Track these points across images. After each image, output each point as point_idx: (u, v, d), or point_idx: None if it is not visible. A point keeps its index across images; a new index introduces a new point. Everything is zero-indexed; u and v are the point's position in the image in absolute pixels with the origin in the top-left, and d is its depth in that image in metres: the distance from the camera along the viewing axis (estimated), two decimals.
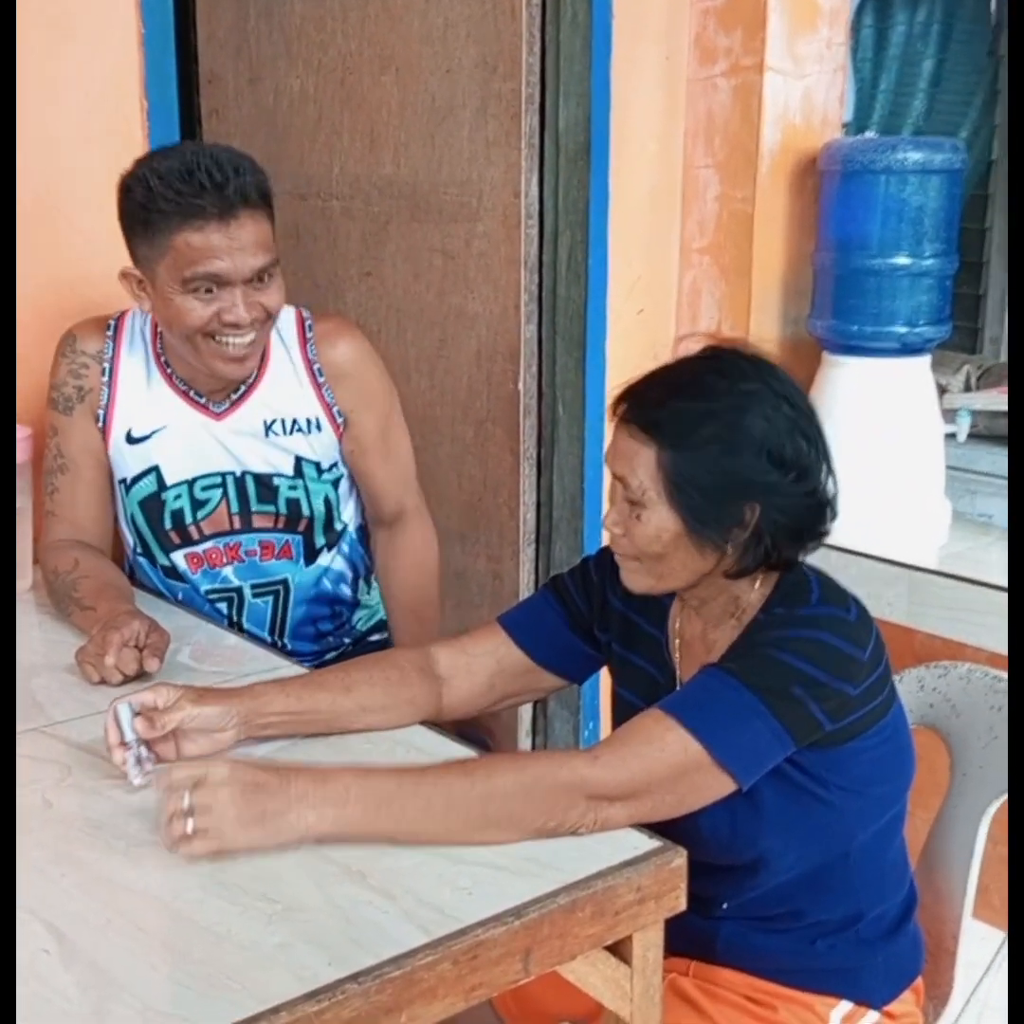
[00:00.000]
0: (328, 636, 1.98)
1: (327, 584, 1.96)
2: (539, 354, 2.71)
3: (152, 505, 1.88)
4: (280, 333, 1.86)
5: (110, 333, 1.87)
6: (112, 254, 2.11)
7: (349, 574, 1.99)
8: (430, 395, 2.82)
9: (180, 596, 1.92)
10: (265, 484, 1.87)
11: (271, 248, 1.70)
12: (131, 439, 1.86)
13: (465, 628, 1.63)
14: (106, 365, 1.85)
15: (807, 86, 2.75)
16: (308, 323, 1.88)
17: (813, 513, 1.35)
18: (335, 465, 1.92)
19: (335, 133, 2.84)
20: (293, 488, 1.88)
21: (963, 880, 1.58)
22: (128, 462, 1.87)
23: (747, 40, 2.66)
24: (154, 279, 1.69)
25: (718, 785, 1.27)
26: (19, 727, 1.47)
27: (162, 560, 1.91)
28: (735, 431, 1.30)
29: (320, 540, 1.93)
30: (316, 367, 1.86)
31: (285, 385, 1.86)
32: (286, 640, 1.95)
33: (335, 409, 1.88)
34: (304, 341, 1.87)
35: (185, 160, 1.63)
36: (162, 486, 1.87)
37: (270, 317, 1.74)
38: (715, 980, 1.44)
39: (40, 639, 1.82)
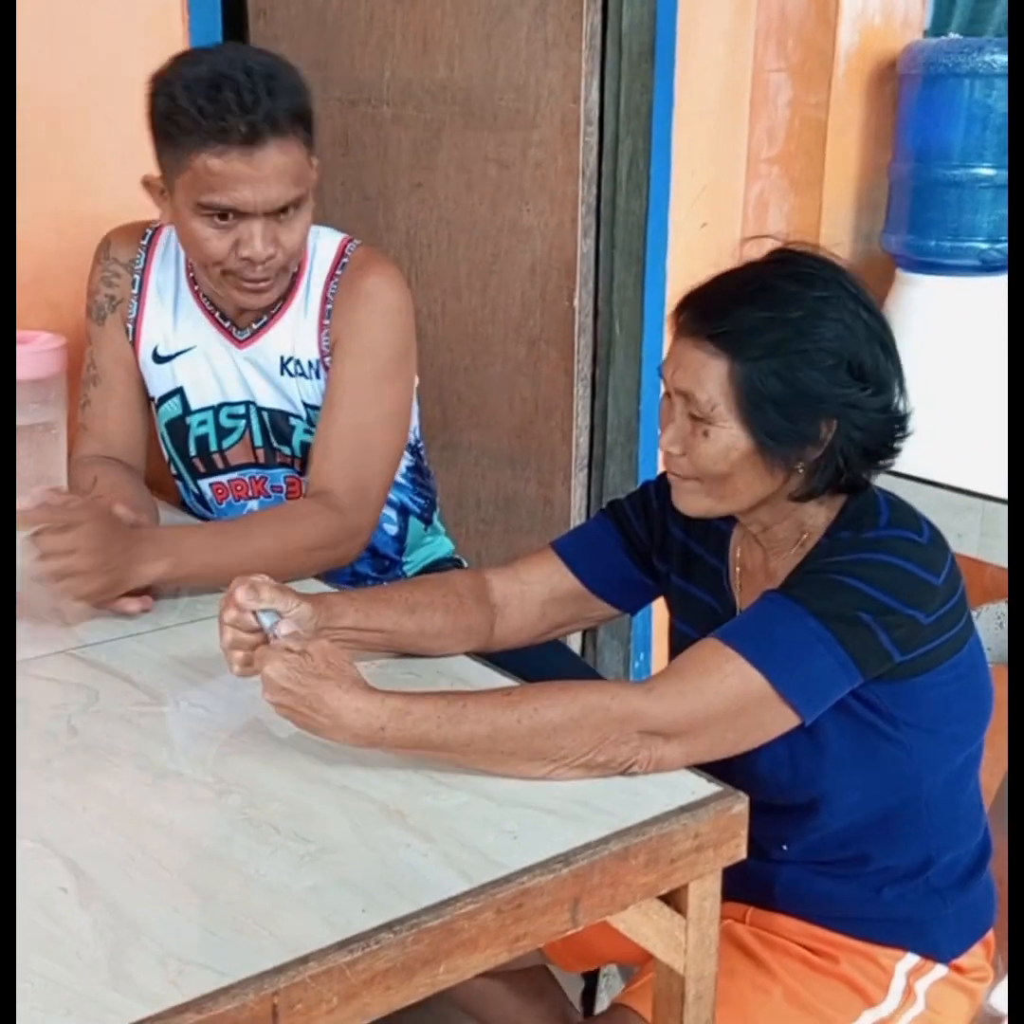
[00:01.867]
0: (367, 580, 1.89)
1: None
2: (596, 270, 2.66)
3: (178, 429, 1.80)
4: (314, 260, 1.73)
5: (144, 242, 1.79)
6: (147, 154, 2.05)
7: (394, 515, 1.87)
8: (481, 312, 2.76)
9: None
10: (279, 423, 1.77)
11: (300, 180, 1.56)
12: (157, 357, 1.78)
13: (514, 555, 1.55)
14: (137, 275, 1.78)
15: None
16: (346, 258, 1.73)
17: (889, 429, 1.29)
18: None
19: (387, 34, 2.76)
20: (308, 432, 1.76)
21: None
22: (155, 380, 1.80)
23: None
24: (173, 192, 1.59)
25: (781, 719, 1.21)
26: (46, 649, 1.43)
27: (192, 486, 1.85)
28: (812, 341, 1.23)
29: None
30: (328, 307, 1.71)
31: (301, 322, 1.73)
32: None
33: (327, 352, 1.73)
34: (333, 274, 1.72)
35: (215, 71, 1.50)
36: (187, 410, 1.79)
37: (289, 256, 1.61)
38: (773, 928, 1.39)
39: None
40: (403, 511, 1.90)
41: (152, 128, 1.58)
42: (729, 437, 1.26)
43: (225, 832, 1.09)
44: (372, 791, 1.14)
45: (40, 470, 1.83)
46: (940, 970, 1.37)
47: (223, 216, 1.55)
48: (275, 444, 1.78)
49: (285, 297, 1.71)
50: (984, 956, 1.42)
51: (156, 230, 1.80)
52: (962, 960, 1.38)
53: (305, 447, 1.76)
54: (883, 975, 1.35)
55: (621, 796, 1.15)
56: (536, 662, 1.71)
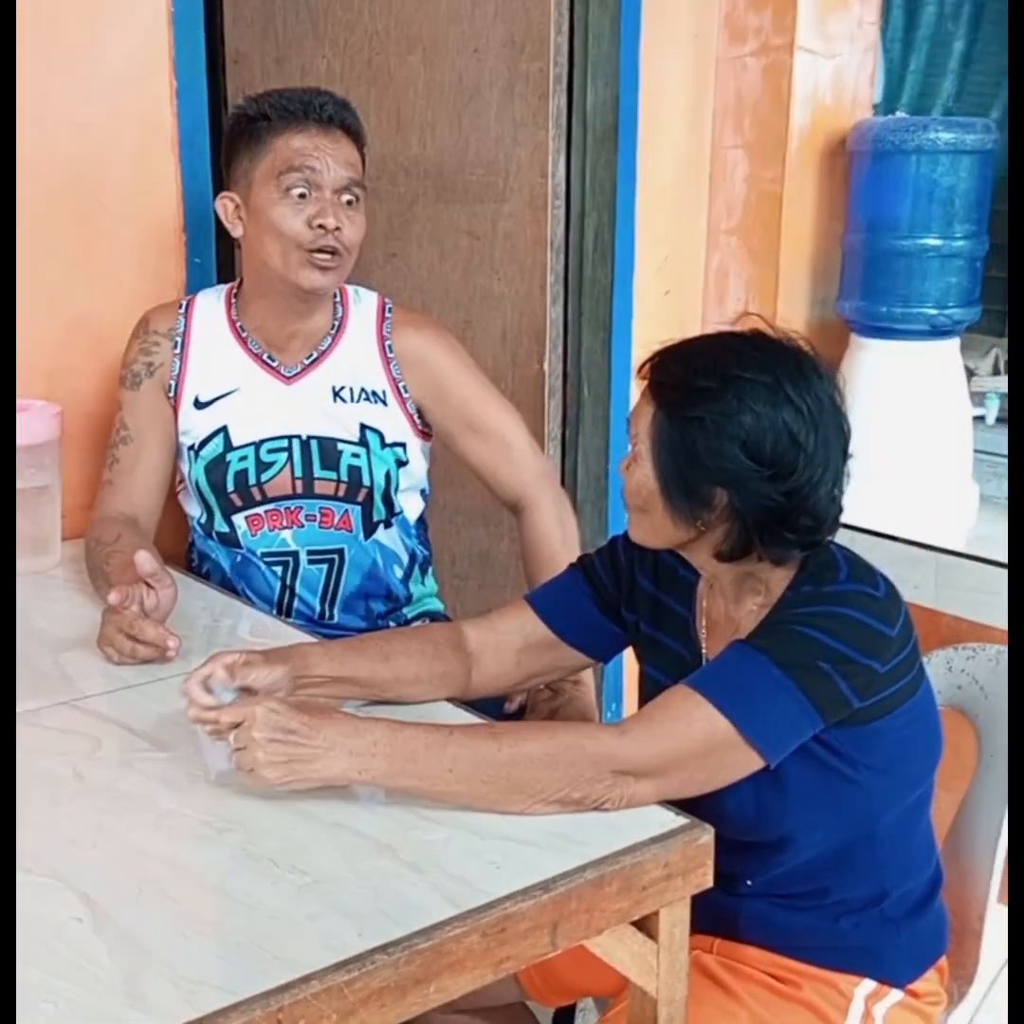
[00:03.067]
0: (378, 618, 1.99)
1: (380, 563, 1.96)
2: (565, 335, 2.70)
3: (217, 468, 1.91)
4: (359, 311, 1.95)
5: (182, 311, 1.95)
6: (142, 234, 2.13)
7: (405, 558, 1.99)
8: None
9: (238, 560, 1.93)
10: (328, 449, 1.90)
11: (360, 173, 1.84)
12: (199, 404, 1.91)
13: (489, 609, 1.63)
14: (178, 339, 1.92)
15: (837, 66, 2.74)
16: (388, 307, 1.97)
17: (786, 513, 1.32)
18: (401, 444, 1.93)
19: (361, 113, 2.79)
20: (356, 456, 1.90)
21: (989, 862, 1.58)
22: (196, 427, 1.91)
23: (777, 19, 2.65)
24: (249, 196, 1.82)
25: (746, 761, 1.27)
26: (48, 701, 1.49)
27: (220, 526, 1.93)
28: (723, 415, 1.30)
29: (380, 513, 1.94)
30: (388, 344, 1.93)
31: (357, 356, 1.92)
32: (335, 611, 1.95)
33: (402, 385, 1.93)
34: (382, 320, 1.94)
35: (297, 91, 1.83)
36: (228, 447, 1.90)
37: (348, 249, 1.83)
38: (739, 957, 1.44)
39: (68, 614, 1.83)
40: (411, 553, 2.00)
41: (231, 143, 1.86)
42: (642, 473, 1.36)
43: (227, 866, 1.16)
44: (363, 827, 1.21)
45: (35, 531, 1.89)
46: (896, 995, 1.42)
47: (301, 195, 1.78)
48: (317, 473, 1.90)
49: (334, 337, 1.91)
50: (938, 981, 1.47)
51: (190, 301, 1.96)
52: (917, 985, 1.44)
53: (352, 470, 1.91)
54: (843, 1000, 1.41)
55: (596, 828, 1.21)
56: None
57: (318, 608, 1.94)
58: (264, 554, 1.92)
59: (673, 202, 2.77)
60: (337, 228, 1.79)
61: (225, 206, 1.86)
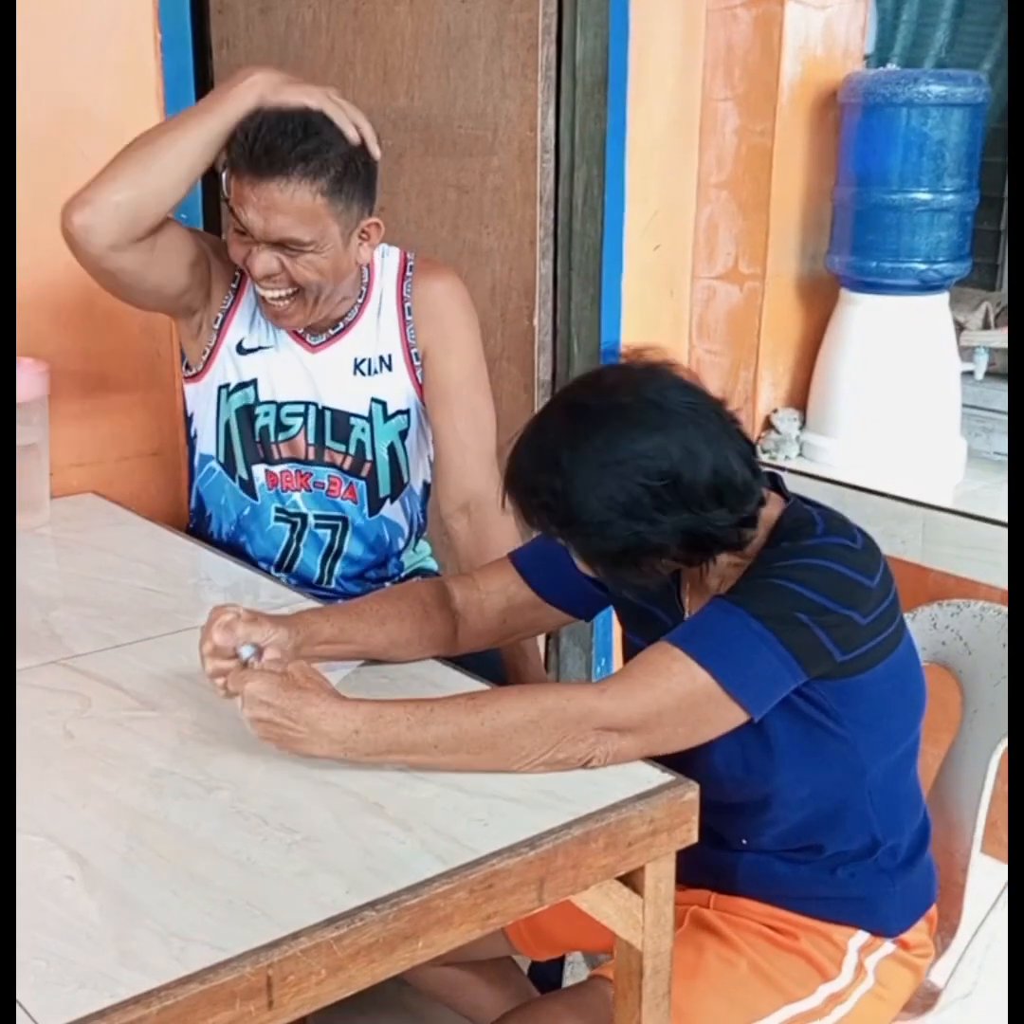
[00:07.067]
0: (371, 584, 1.99)
1: (385, 534, 1.97)
2: (554, 290, 2.70)
3: (246, 415, 1.91)
4: (383, 272, 1.90)
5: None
6: None
7: (405, 527, 2.00)
8: None
9: (247, 511, 1.93)
10: (341, 422, 1.90)
11: (304, 223, 1.68)
12: (241, 349, 1.89)
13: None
14: (235, 282, 1.89)
15: (828, 17, 2.71)
16: (410, 263, 1.92)
17: (710, 523, 1.30)
18: (405, 413, 1.91)
19: (348, 64, 2.81)
20: (363, 430, 1.90)
21: (973, 815, 1.60)
22: (234, 369, 1.90)
23: None
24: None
25: (730, 715, 1.29)
26: (38, 660, 1.50)
27: (241, 472, 1.93)
28: (585, 511, 1.28)
29: (384, 489, 1.94)
30: (407, 305, 1.89)
31: (379, 322, 1.89)
32: (334, 576, 1.96)
33: (414, 350, 1.89)
34: (403, 277, 1.90)
35: (282, 118, 1.67)
36: (257, 400, 1.90)
37: (300, 289, 1.75)
38: (736, 910, 1.47)
39: (57, 572, 1.85)
40: (410, 520, 2.01)
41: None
42: (586, 566, 1.36)
43: (217, 824, 1.17)
44: (352, 785, 1.22)
45: (24, 489, 1.88)
46: (888, 947, 1.46)
47: (242, 232, 1.71)
48: (328, 442, 1.90)
49: (360, 306, 1.88)
50: (927, 931, 1.51)
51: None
52: (907, 936, 1.47)
53: (360, 445, 1.90)
54: (837, 952, 1.44)
55: (582, 786, 1.23)
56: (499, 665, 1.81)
57: (317, 572, 1.95)
58: (277, 510, 1.93)
59: (663, 155, 2.75)
60: (265, 276, 1.72)
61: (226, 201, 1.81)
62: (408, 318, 1.89)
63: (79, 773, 1.26)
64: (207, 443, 1.95)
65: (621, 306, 2.73)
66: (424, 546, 2.10)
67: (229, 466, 1.93)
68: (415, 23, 2.69)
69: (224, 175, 1.76)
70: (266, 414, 1.90)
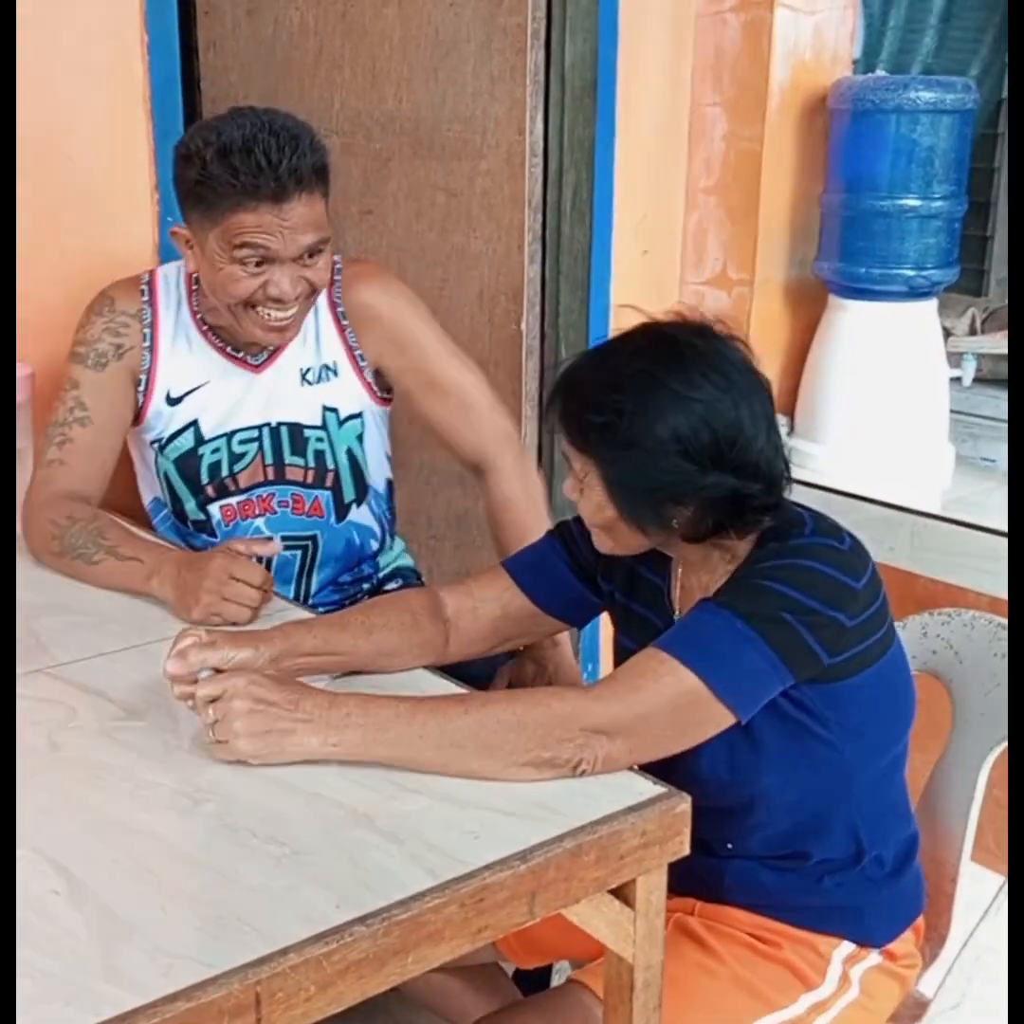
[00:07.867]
0: (347, 587, 1.98)
1: (356, 539, 1.96)
2: (542, 294, 2.70)
3: (189, 461, 1.87)
4: None
5: (145, 294, 1.86)
6: (112, 190, 2.10)
7: (376, 528, 1.99)
8: None
9: (208, 549, 1.90)
10: (297, 435, 1.87)
11: (322, 226, 1.69)
12: (170, 400, 1.86)
13: (466, 569, 1.62)
14: (147, 329, 1.84)
15: (817, 22, 2.72)
16: (337, 266, 1.86)
17: (747, 493, 1.33)
18: (358, 416, 1.90)
19: (336, 67, 2.79)
20: (320, 440, 1.88)
21: (962, 824, 1.60)
22: (166, 423, 1.86)
23: None
24: (204, 245, 1.69)
25: (717, 717, 1.28)
26: (23, 668, 1.48)
27: (195, 515, 1.90)
28: (648, 437, 1.30)
29: (349, 494, 1.92)
30: (340, 310, 1.86)
31: (317, 329, 1.86)
32: (310, 594, 1.95)
33: (358, 353, 1.87)
34: (331, 283, 1.84)
35: (244, 137, 1.61)
36: (200, 440, 1.86)
37: (315, 291, 1.74)
38: (721, 919, 1.46)
39: (42, 579, 1.82)
40: (379, 522, 2.00)
41: (180, 191, 1.69)
42: (597, 502, 1.36)
43: (204, 838, 1.15)
44: (341, 797, 1.21)
45: None
46: (874, 957, 1.45)
47: (257, 263, 1.66)
48: (288, 459, 1.87)
49: None
50: (913, 941, 1.50)
51: (151, 280, 1.87)
52: (893, 946, 1.46)
53: (319, 455, 1.88)
54: (821, 961, 1.43)
55: (574, 798, 1.21)
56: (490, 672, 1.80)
57: (292, 593, 1.93)
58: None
59: (652, 160, 2.76)
60: (297, 294, 1.71)
61: (179, 241, 1.74)
62: (344, 323, 1.86)
63: (64, 785, 1.24)
64: (150, 489, 1.94)
65: (610, 310, 2.74)
66: (400, 544, 2.08)
67: (179, 513, 1.92)
68: (403, 26, 2.68)
69: (193, 230, 1.70)
70: (215, 451, 1.87)
